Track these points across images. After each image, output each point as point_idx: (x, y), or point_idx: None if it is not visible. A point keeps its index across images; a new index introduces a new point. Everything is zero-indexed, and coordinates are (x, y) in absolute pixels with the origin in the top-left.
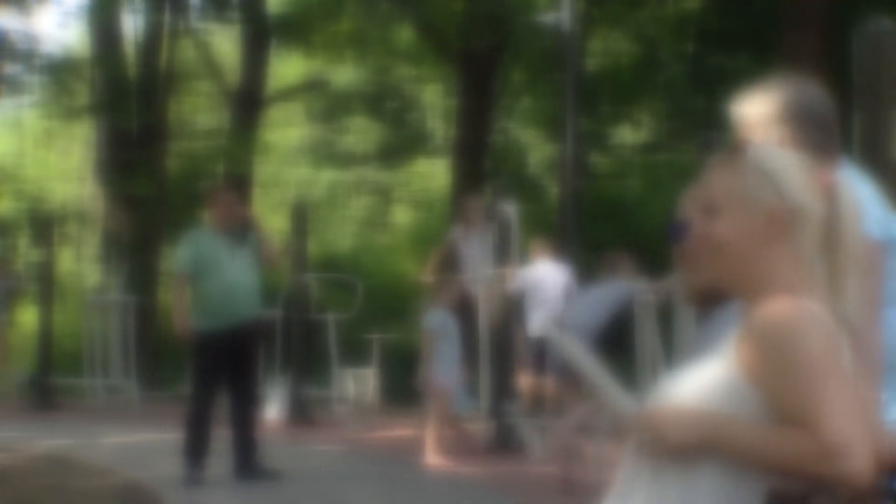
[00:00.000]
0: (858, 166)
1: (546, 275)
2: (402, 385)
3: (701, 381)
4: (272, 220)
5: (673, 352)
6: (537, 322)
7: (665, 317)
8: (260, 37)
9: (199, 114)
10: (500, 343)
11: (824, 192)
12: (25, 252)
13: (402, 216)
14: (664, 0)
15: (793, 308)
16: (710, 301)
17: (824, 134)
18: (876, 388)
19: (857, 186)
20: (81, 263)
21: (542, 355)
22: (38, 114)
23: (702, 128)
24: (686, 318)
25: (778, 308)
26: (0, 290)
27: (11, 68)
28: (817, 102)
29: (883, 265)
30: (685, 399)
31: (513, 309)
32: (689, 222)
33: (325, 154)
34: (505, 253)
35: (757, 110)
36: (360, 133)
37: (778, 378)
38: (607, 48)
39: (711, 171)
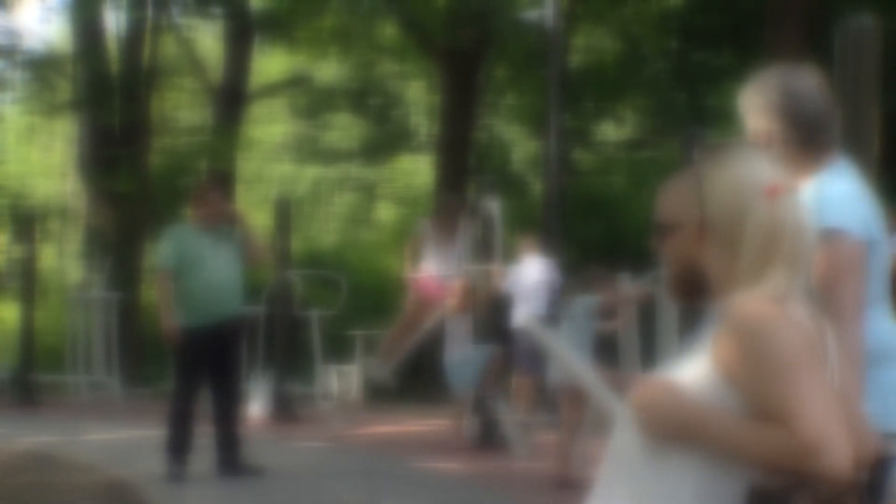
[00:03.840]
0: (846, 164)
1: (531, 271)
2: (385, 381)
3: (681, 379)
4: (256, 216)
5: (656, 345)
6: (518, 315)
7: (649, 311)
8: (243, 33)
9: (182, 110)
10: (481, 335)
11: (774, 197)
12: (7, 248)
13: (386, 213)
14: None
15: (766, 306)
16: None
17: (813, 131)
18: (858, 383)
19: (841, 185)
20: (64, 260)
21: (519, 347)
22: (19, 109)
23: (685, 124)
24: (669, 312)
25: (752, 307)
26: None
27: None
28: (809, 100)
29: (865, 265)
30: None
31: (501, 306)
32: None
33: (309, 150)
34: (488, 249)
35: (750, 104)
36: (344, 129)
37: (754, 376)
38: (591, 45)
39: (683, 176)
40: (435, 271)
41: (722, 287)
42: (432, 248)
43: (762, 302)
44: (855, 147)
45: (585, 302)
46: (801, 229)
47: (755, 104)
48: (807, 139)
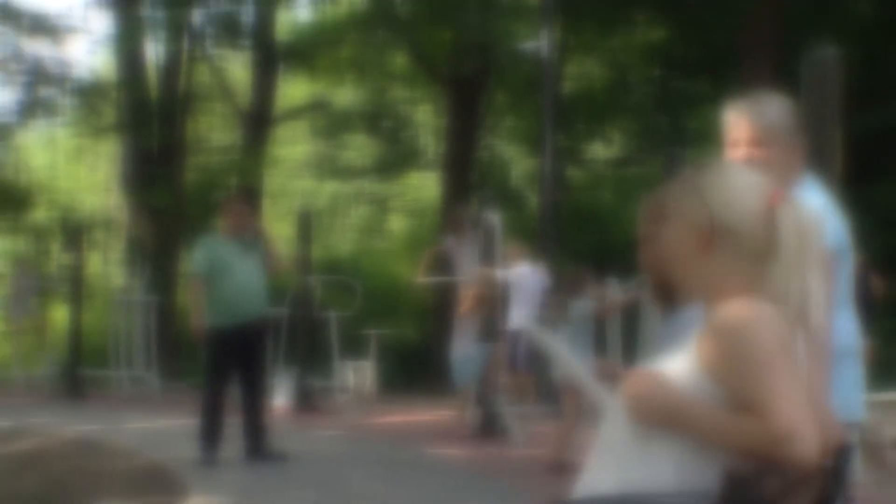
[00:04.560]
0: (814, 182)
1: (523, 276)
2: (397, 376)
3: (668, 373)
4: (280, 227)
5: (639, 345)
6: (516, 318)
7: (634, 314)
8: (269, 62)
9: (214, 132)
10: (483, 335)
11: (773, 207)
12: (58, 256)
13: (396, 224)
14: (633, 30)
15: (747, 310)
16: (670, 301)
17: (791, 150)
18: (825, 378)
19: (815, 199)
20: (108, 266)
21: (516, 345)
22: (69, 132)
23: (667, 145)
24: (652, 315)
25: (734, 310)
26: (27, 288)
27: (46, 91)
28: (788, 129)
29: (835, 271)
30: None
31: (500, 308)
32: (645, 232)
33: (328, 168)
34: (490, 257)
35: (737, 131)
36: (359, 149)
37: (734, 372)
38: (582, 73)
39: (669, 188)
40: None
41: (707, 290)
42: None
43: (746, 305)
44: (821, 165)
45: (582, 307)
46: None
47: (744, 124)
48: (786, 162)
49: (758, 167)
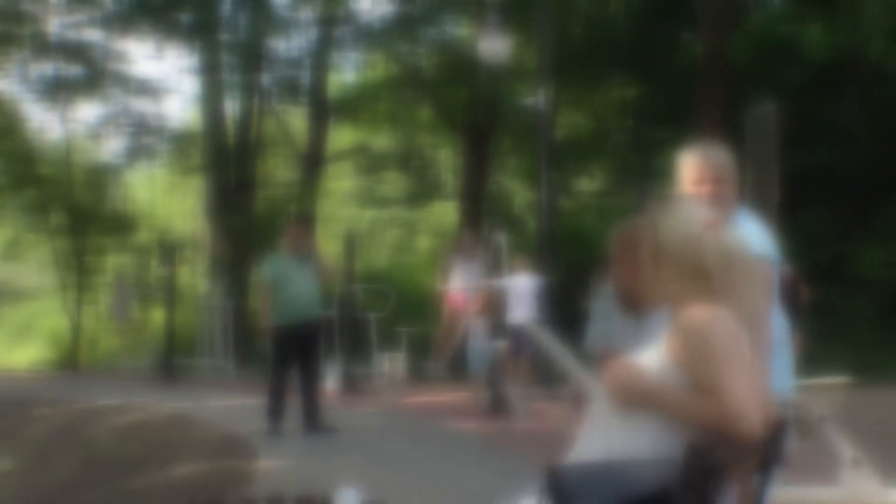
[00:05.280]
0: (750, 210)
1: (523, 283)
2: (423, 365)
3: (642, 363)
4: (330, 246)
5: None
6: (516, 316)
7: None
8: (322, 114)
9: (278, 170)
10: (492, 332)
11: (714, 229)
12: (155, 270)
13: (422, 243)
14: (611, 88)
15: (705, 313)
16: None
17: (731, 190)
18: (765, 367)
19: (749, 224)
20: (195, 277)
21: (518, 340)
22: (165, 171)
23: (638, 180)
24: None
25: (695, 314)
26: (126, 296)
27: (147, 139)
28: (728, 170)
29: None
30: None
31: (501, 309)
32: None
33: (368, 198)
34: (498, 268)
35: (688, 172)
36: (393, 183)
37: (695, 363)
38: (571, 122)
39: (643, 219)
40: (461, 287)
41: (671, 299)
42: (458, 271)
43: (704, 310)
44: (763, 197)
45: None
46: (743, 253)
47: (706, 166)
48: (727, 196)
49: (715, 200)
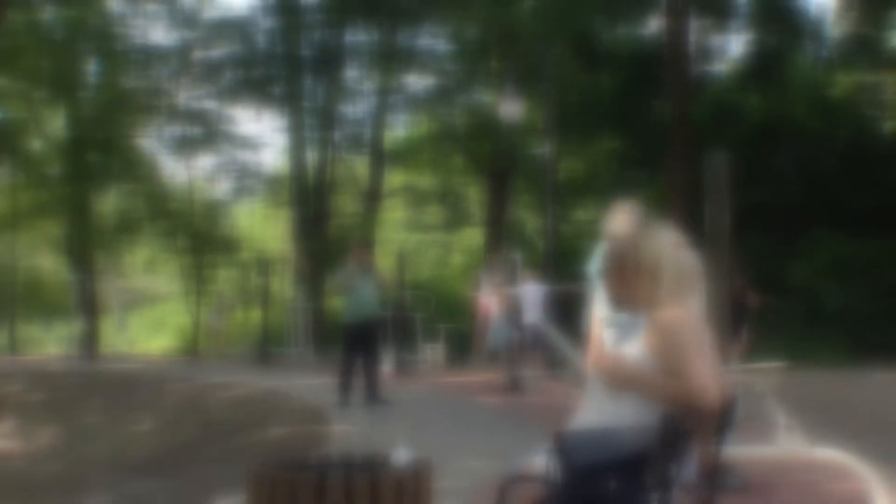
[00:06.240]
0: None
1: (532, 291)
2: (456, 354)
3: (625, 353)
4: (386, 262)
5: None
6: (529, 316)
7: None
8: (379, 161)
9: (346, 204)
10: (509, 327)
11: (679, 248)
12: (254, 280)
13: (456, 260)
14: (600, 141)
15: (675, 313)
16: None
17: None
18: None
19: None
20: (284, 286)
21: (531, 334)
22: (262, 205)
23: None
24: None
25: (667, 313)
26: (221, 308)
27: (249, 181)
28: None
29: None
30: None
31: (516, 309)
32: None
33: (414, 225)
34: (513, 279)
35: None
36: (433, 214)
37: (667, 352)
38: (570, 167)
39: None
40: (487, 293)
41: (647, 302)
42: (485, 282)
43: (673, 311)
44: (717, 226)
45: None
46: (695, 267)
47: (627, 220)
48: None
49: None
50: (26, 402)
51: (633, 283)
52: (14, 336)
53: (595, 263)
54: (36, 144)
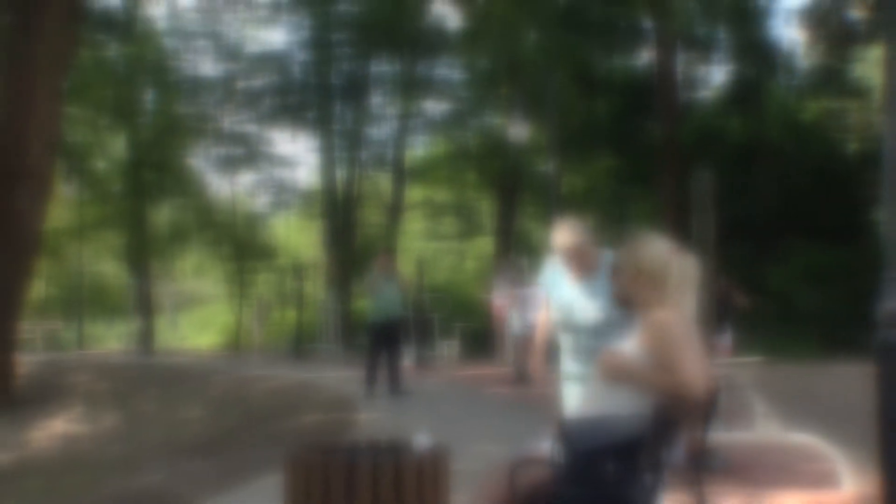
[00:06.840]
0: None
1: (538, 293)
2: (470, 349)
3: (624, 350)
4: (407, 268)
5: None
6: (531, 317)
7: None
8: (400, 177)
9: (372, 216)
10: (517, 326)
11: (676, 255)
12: (290, 284)
13: (469, 265)
14: (598, 159)
15: (666, 314)
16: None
17: (588, 248)
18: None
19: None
20: (316, 289)
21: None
22: (296, 217)
23: (620, 224)
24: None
25: (659, 315)
26: (262, 311)
27: (285, 196)
28: (584, 235)
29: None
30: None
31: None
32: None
33: (432, 234)
34: (520, 282)
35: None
36: (449, 224)
37: (659, 349)
38: (571, 182)
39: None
40: (499, 295)
41: (646, 304)
42: (496, 285)
43: (665, 312)
44: (703, 235)
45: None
46: (693, 272)
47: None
48: (587, 249)
49: (577, 256)
50: (92, 391)
51: (631, 285)
52: (81, 333)
53: (545, 273)
54: (100, 165)
